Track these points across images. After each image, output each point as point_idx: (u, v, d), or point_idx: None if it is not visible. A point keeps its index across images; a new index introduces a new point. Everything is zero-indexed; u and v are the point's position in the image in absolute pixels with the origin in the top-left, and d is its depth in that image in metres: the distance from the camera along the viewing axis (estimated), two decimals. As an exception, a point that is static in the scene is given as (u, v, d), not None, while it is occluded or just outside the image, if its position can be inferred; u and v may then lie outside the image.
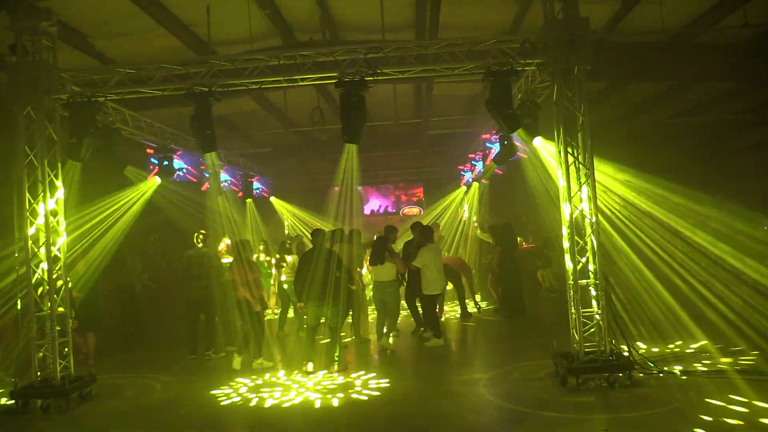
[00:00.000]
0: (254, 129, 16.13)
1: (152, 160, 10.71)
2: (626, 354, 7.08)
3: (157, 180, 10.83)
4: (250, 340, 8.80)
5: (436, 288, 9.80)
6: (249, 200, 15.49)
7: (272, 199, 17.39)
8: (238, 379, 8.11)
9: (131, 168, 10.33)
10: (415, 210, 18.50)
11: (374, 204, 18.79)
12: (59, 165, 7.69)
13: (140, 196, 10.96)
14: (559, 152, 7.33)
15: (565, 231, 7.34)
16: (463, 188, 16.44)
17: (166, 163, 10.56)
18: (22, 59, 7.40)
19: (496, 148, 11.36)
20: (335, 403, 6.92)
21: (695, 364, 7.41)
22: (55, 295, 7.44)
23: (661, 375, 7.09)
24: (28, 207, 7.46)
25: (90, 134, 7.87)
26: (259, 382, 7.97)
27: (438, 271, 9.80)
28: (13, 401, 7.15)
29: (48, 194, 7.50)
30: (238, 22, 9.62)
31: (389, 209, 18.78)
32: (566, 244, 7.30)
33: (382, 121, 15.24)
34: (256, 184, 15.79)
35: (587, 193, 7.21)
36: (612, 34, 9.96)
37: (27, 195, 7.46)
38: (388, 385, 7.51)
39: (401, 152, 18.25)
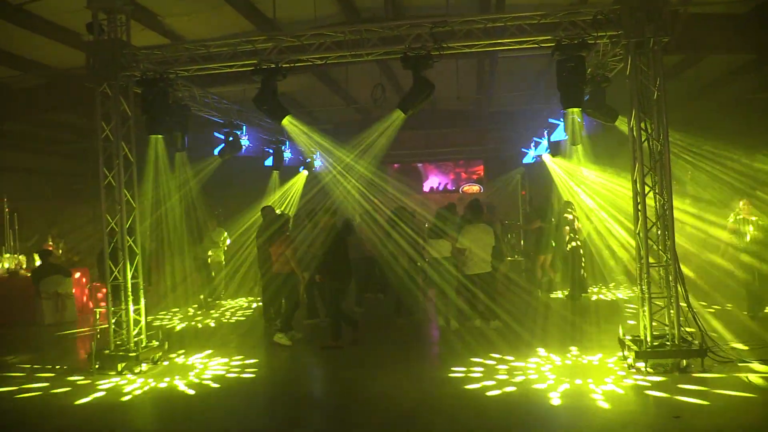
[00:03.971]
0: (315, 105, 16.23)
1: (217, 135, 11.03)
2: (698, 340, 6.80)
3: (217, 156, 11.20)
4: (290, 314, 8.94)
5: (473, 268, 9.36)
6: (302, 173, 15.58)
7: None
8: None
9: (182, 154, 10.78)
10: (475, 188, 18.20)
11: (433, 181, 18.61)
12: (133, 140, 7.96)
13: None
14: (631, 129, 7.08)
15: (636, 211, 7.10)
16: (522, 168, 16.09)
17: (231, 139, 10.82)
18: (98, 38, 7.66)
19: (561, 126, 11.03)
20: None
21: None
22: (128, 264, 7.80)
23: (736, 363, 6.79)
24: (103, 180, 7.80)
25: (165, 110, 8.13)
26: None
27: (483, 251, 9.33)
28: (92, 364, 7.59)
29: (122, 167, 7.81)
30: (302, 1, 9.63)
31: (449, 187, 18.56)
32: (637, 225, 7.07)
33: (442, 98, 15.02)
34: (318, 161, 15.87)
35: (661, 170, 6.93)
36: (688, 5, 9.44)
37: (103, 168, 7.79)
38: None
39: (461, 129, 17.98)
